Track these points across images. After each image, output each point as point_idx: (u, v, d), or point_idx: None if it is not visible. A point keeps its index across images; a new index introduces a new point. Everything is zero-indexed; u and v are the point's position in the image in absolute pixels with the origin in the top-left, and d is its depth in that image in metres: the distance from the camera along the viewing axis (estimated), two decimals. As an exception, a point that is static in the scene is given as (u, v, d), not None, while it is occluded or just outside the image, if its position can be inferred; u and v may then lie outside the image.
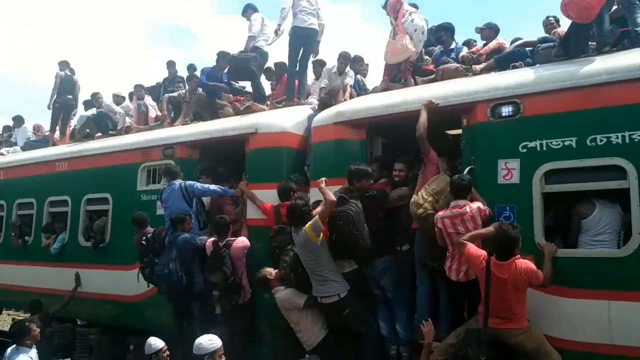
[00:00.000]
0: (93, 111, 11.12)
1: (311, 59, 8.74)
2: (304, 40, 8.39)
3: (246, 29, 8.74)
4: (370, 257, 5.61)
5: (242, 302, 6.35)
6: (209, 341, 4.70)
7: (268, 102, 8.52)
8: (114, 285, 8.12)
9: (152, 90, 11.36)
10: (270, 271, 5.94)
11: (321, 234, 5.36)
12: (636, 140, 4.47)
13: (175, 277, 6.54)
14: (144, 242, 7.09)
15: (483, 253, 4.68)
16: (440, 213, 5.04)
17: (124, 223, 8.07)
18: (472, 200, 5.05)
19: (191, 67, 11.11)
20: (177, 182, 6.97)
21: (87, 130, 10.76)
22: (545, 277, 4.56)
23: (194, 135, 7.77)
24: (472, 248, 4.78)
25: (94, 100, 11.01)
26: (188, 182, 6.95)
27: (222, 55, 9.02)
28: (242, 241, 6.39)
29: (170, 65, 11.36)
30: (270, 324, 6.34)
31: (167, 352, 5.61)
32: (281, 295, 5.78)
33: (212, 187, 6.99)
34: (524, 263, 4.57)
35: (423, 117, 5.44)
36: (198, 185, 6.96)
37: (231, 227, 6.56)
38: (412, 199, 5.34)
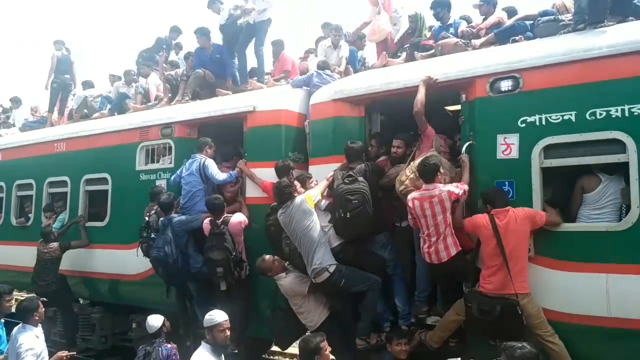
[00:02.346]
0: (91, 92, 11.05)
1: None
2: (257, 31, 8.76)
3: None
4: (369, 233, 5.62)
5: (243, 277, 6.41)
6: (218, 314, 4.82)
7: (267, 80, 8.48)
8: (115, 264, 8.16)
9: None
10: (272, 260, 5.88)
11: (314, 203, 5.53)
12: (636, 113, 4.45)
13: (172, 260, 6.60)
14: (146, 217, 7.15)
15: (482, 215, 4.88)
16: (412, 194, 5.06)
17: (124, 203, 8.11)
18: (452, 181, 5.13)
19: (177, 46, 11.06)
20: (199, 158, 6.99)
21: (85, 110, 10.72)
22: (552, 217, 4.73)
23: (192, 114, 7.73)
24: (469, 220, 4.98)
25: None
26: (207, 163, 6.94)
27: (201, 33, 8.88)
28: (238, 217, 6.41)
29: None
30: (270, 301, 6.40)
31: (168, 323, 5.80)
32: (284, 282, 5.80)
33: (222, 177, 6.95)
34: (521, 209, 4.75)
35: (421, 93, 5.41)
36: (213, 171, 6.91)
37: (225, 205, 6.57)
38: (398, 176, 5.36)
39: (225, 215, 6.45)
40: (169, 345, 5.58)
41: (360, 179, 5.45)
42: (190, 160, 7.08)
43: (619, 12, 5.28)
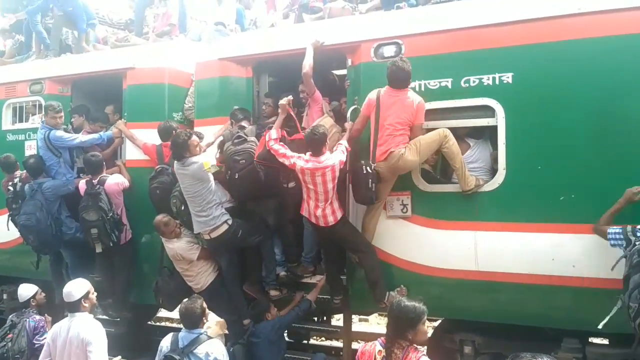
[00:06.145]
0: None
1: None
2: None
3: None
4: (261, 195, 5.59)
5: (123, 241, 6.18)
6: (78, 287, 4.40)
7: (149, 35, 8.02)
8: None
9: None
10: (175, 224, 5.67)
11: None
12: (505, 81, 4.75)
13: (44, 226, 6.20)
14: (10, 187, 6.57)
15: None
16: (302, 163, 5.00)
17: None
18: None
19: None
20: (42, 131, 6.37)
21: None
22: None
23: (65, 70, 7.16)
24: None
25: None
26: (53, 135, 6.34)
27: None
28: (116, 177, 6.13)
29: None
30: (155, 266, 6.22)
31: (43, 294, 5.57)
32: (174, 246, 5.63)
33: (86, 138, 6.49)
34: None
35: (309, 56, 5.40)
36: (66, 137, 6.39)
37: (104, 164, 6.26)
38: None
39: (102, 175, 6.13)
40: (37, 317, 5.33)
41: (251, 139, 5.40)
42: (40, 130, 6.47)
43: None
